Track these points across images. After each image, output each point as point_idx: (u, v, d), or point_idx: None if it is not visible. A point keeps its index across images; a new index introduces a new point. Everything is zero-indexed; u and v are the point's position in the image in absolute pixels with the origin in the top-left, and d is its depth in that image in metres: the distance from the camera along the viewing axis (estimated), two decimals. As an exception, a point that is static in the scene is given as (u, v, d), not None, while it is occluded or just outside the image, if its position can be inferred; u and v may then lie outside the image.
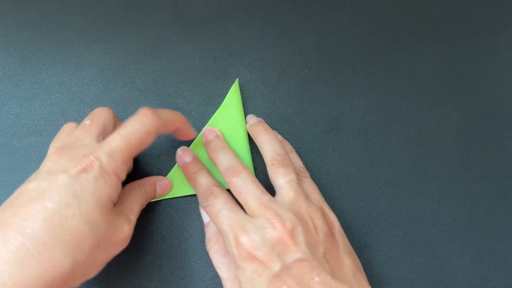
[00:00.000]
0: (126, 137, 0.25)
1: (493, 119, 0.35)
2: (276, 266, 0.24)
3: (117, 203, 0.27)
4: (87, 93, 0.34)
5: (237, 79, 0.35)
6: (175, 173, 0.32)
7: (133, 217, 0.28)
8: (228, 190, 0.29)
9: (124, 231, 0.26)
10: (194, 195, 0.33)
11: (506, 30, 0.37)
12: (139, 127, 0.26)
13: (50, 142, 0.33)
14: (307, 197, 0.29)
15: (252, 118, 0.33)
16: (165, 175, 0.32)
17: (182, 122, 0.30)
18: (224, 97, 0.34)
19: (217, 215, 0.27)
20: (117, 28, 0.35)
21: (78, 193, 0.23)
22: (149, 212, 0.32)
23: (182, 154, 0.32)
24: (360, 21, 0.37)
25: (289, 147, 0.33)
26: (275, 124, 0.34)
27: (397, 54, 0.36)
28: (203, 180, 0.30)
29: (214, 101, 0.34)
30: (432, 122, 0.35)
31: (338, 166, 0.34)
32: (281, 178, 0.28)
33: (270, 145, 0.30)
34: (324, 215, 0.28)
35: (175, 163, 0.32)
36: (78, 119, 0.34)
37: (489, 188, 0.34)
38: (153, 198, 0.31)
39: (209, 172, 0.31)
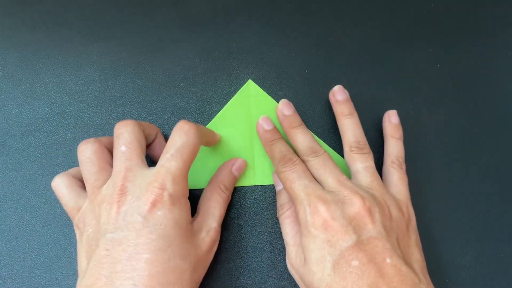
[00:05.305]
0: (179, 155, 0.25)
1: (493, 119, 0.35)
2: (350, 240, 0.24)
3: (195, 217, 0.27)
4: (87, 93, 0.34)
5: (249, 80, 0.35)
6: None
7: (215, 223, 0.28)
8: None
9: (207, 243, 0.27)
10: (194, 195, 0.33)
11: (506, 30, 0.37)
12: (187, 141, 0.25)
13: (50, 142, 0.33)
14: (385, 186, 0.29)
15: (339, 93, 0.31)
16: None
17: (211, 135, 0.31)
18: (224, 97, 0.34)
19: (294, 181, 0.27)
20: (117, 28, 0.35)
21: (164, 234, 0.23)
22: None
23: (263, 123, 0.32)
24: (360, 21, 0.37)
25: (398, 133, 0.32)
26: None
27: (397, 54, 0.36)
28: (283, 147, 0.30)
29: (214, 101, 0.34)
30: (432, 122, 0.35)
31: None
32: (358, 163, 0.29)
33: (352, 131, 0.30)
34: (402, 207, 0.28)
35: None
36: (78, 119, 0.34)
37: (489, 188, 0.34)
38: (235, 184, 0.32)
39: (287, 143, 0.31)
